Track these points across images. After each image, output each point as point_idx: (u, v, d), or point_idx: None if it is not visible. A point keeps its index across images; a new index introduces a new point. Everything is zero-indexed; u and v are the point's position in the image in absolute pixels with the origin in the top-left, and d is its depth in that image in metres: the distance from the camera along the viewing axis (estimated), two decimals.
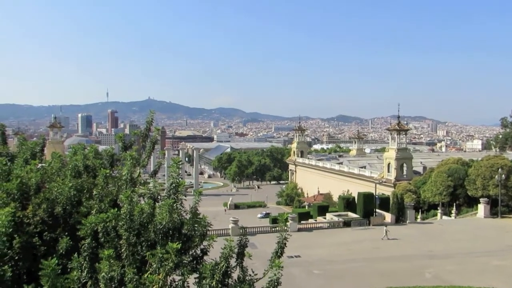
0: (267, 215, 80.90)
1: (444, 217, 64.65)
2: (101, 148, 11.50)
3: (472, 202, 65.67)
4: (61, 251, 6.76)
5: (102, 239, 6.55)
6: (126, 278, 5.96)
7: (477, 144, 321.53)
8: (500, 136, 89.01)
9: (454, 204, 66.42)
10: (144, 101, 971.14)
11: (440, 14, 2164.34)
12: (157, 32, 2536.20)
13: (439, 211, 66.00)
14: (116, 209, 6.78)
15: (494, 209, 61.22)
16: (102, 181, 8.02)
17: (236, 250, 6.92)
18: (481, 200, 61.39)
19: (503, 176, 60.23)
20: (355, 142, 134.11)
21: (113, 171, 9.32)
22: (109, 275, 5.90)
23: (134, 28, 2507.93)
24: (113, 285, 5.96)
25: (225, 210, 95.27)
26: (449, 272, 35.98)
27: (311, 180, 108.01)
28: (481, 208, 61.28)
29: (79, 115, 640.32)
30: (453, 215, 65.00)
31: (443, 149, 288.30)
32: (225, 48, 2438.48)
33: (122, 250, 6.46)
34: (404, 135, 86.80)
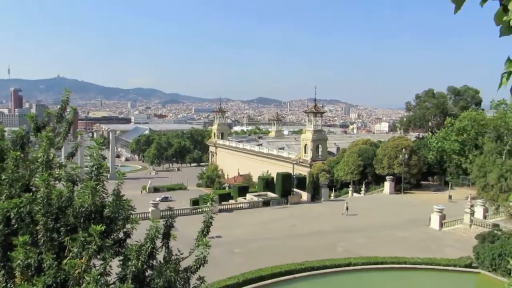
0: (165, 199, 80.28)
1: (355, 194, 69.24)
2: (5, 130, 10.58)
3: (379, 180, 71.03)
4: None
5: (16, 226, 6.14)
6: (45, 265, 5.69)
7: (384, 126, 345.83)
8: (405, 119, 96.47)
9: (364, 182, 71.31)
10: (52, 79, 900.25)
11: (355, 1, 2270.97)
12: (67, 3, 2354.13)
13: (350, 188, 70.49)
14: (30, 194, 6.37)
15: (398, 186, 66.96)
16: (12, 164, 7.44)
17: (162, 231, 6.90)
18: (387, 178, 66.79)
19: (406, 155, 65.89)
20: (274, 124, 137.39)
21: (24, 154, 8.69)
22: (25, 262, 5.59)
23: None
24: (30, 273, 5.66)
25: (141, 192, 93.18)
26: (359, 245, 38.91)
27: (232, 161, 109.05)
28: (387, 185, 66.75)
29: None
30: (362, 192, 69.81)
31: (355, 131, 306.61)
32: (143, 25, 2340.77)
33: (39, 236, 6.12)
34: (320, 118, 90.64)
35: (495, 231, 37.03)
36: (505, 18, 2.28)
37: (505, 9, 2.24)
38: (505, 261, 31.05)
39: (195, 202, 64.43)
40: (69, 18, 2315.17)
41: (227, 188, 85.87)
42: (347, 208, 51.12)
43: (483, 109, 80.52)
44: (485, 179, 47.29)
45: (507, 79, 2.38)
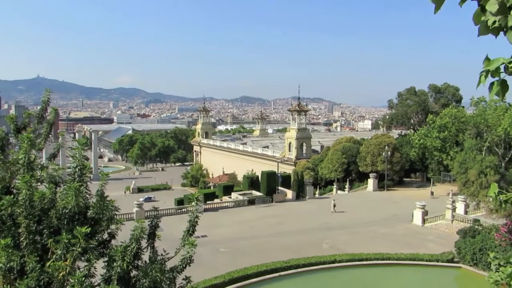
0: (148, 199, 79.41)
1: (339, 192, 69.80)
2: None
3: (363, 177, 71.74)
4: None
5: None
6: (27, 268, 5.60)
7: (367, 124, 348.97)
8: (387, 116, 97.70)
9: (348, 179, 71.93)
10: (32, 80, 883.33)
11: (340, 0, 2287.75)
12: (47, 3, 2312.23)
13: (335, 186, 71.04)
14: (12, 196, 6.26)
15: (381, 183, 67.71)
16: None
17: (147, 231, 6.85)
18: (371, 175, 67.53)
19: (389, 153, 66.69)
20: (258, 123, 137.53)
21: (4, 156, 8.52)
22: (8, 265, 5.49)
23: None
24: (13, 276, 5.57)
25: (125, 193, 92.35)
26: (344, 242, 39.26)
27: (216, 160, 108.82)
28: (371, 182, 67.49)
29: None
30: (346, 189, 70.42)
31: (338, 129, 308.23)
32: (124, 24, 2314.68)
33: (22, 238, 6.01)
34: (304, 116, 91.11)
35: (476, 226, 37.76)
36: (483, 18, 2.35)
37: (483, 9, 2.32)
38: (485, 256, 31.69)
39: (180, 202, 64.18)
40: (49, 18, 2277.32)
41: (212, 187, 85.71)
42: (334, 205, 51.60)
43: (463, 107, 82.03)
44: (465, 175, 48.19)
45: (486, 77, 2.46)
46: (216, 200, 59.29)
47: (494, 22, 2.25)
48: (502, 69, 2.45)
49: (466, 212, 45.58)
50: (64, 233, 5.87)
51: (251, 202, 56.84)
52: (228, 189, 63.91)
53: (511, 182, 44.68)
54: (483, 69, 2.44)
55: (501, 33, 2.30)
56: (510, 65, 2.41)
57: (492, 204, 39.66)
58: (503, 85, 2.46)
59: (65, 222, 6.23)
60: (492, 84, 2.48)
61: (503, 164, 56.81)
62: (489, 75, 2.43)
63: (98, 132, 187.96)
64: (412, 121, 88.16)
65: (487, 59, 2.45)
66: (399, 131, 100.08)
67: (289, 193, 61.92)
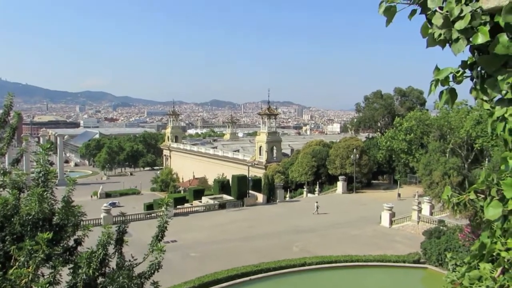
0: (113, 204, 77.44)
1: (309, 195, 70.50)
2: None
3: (332, 180, 72.77)
4: None
5: None
6: None
7: (336, 127, 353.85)
8: (355, 120, 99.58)
9: (318, 182, 72.79)
10: None
11: (308, 4, 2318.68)
12: (9, 4, 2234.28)
13: (305, 189, 71.72)
14: None
15: (350, 185, 68.92)
16: None
17: (114, 237, 6.75)
18: (340, 178, 68.61)
19: (357, 155, 68.00)
20: (228, 127, 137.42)
21: None
22: None
23: None
24: None
25: (91, 197, 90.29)
26: (314, 244, 39.68)
27: (187, 165, 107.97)
28: (340, 185, 68.56)
29: None
30: (316, 192, 71.21)
31: (308, 132, 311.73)
32: (91, 27, 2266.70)
33: None
34: (274, 119, 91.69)
35: (441, 227, 38.85)
36: (430, 31, 2.53)
37: (429, 23, 2.50)
38: None
39: (149, 207, 63.18)
40: (11, 18, 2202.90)
41: (182, 191, 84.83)
42: (317, 207, 52.29)
43: (427, 109, 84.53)
44: (430, 177, 49.65)
45: (435, 86, 2.63)
46: (186, 205, 58.78)
47: (440, 35, 2.42)
48: (451, 78, 2.62)
49: (431, 213, 46.91)
50: (27, 240, 5.74)
51: (222, 206, 56.67)
52: (198, 193, 63.49)
53: (472, 182, 46.37)
54: (433, 78, 2.61)
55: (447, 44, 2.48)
56: (458, 75, 2.59)
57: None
58: (452, 93, 2.63)
59: (29, 229, 6.08)
60: (441, 92, 2.65)
61: (466, 166, 58.91)
62: (439, 84, 2.60)
63: (64, 137, 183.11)
64: (379, 124, 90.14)
65: (436, 68, 2.62)
66: (367, 134, 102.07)
67: (260, 197, 62.08)
